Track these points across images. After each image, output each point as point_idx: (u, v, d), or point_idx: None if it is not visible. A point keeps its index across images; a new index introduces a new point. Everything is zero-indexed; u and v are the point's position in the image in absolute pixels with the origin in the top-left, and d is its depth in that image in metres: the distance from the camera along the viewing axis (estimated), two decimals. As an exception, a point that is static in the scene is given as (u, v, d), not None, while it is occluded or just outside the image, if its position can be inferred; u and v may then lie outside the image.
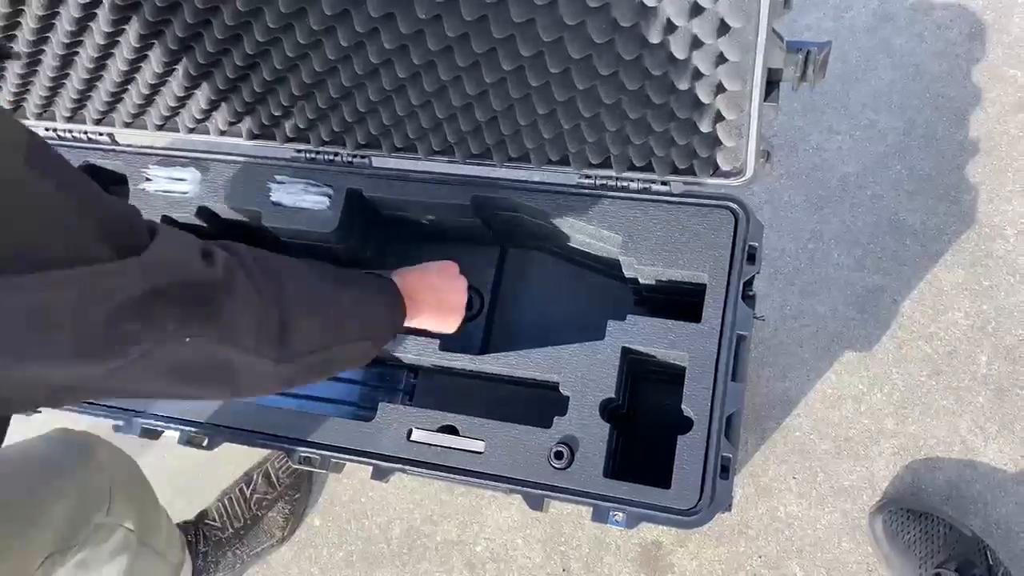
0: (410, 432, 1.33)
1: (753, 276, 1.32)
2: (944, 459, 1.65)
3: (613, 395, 1.29)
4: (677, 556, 1.66)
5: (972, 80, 1.89)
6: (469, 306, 1.52)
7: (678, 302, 1.42)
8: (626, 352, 1.32)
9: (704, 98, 1.16)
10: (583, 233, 1.43)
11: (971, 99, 1.87)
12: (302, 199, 1.48)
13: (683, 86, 1.15)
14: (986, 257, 1.76)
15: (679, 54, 1.08)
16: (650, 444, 1.37)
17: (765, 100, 1.14)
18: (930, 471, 1.65)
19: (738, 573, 1.64)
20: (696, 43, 1.07)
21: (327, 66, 1.28)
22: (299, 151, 1.50)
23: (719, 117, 1.20)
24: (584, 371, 1.32)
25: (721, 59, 1.08)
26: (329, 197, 1.48)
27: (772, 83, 1.14)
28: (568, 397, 1.31)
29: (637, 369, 1.40)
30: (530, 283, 1.64)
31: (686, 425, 1.25)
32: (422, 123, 1.35)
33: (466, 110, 1.30)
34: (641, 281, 1.41)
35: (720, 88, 1.14)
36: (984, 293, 1.74)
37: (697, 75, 1.13)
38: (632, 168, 1.36)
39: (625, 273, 1.42)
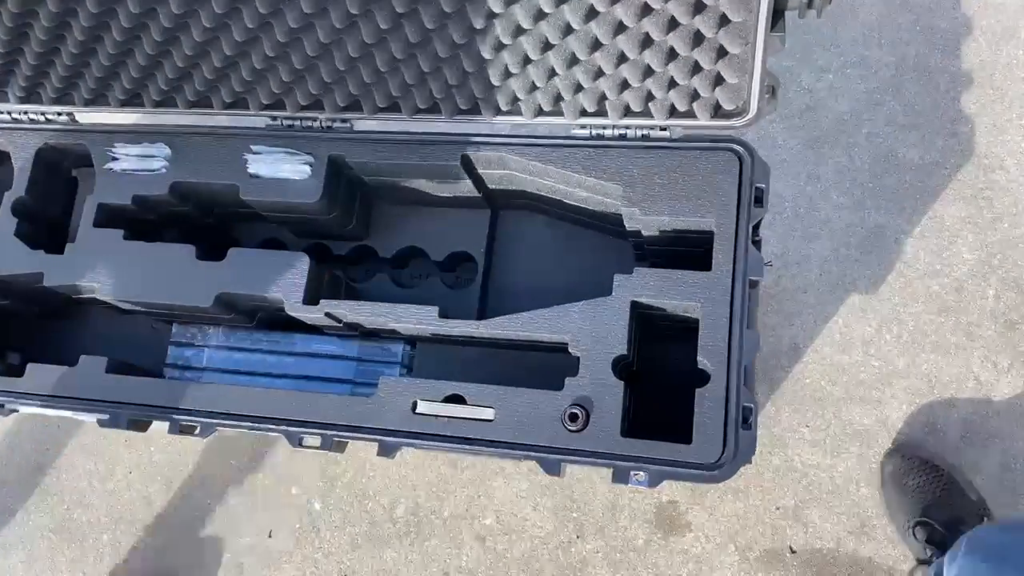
0: (415, 405, 1.27)
1: (760, 219, 1.27)
2: (958, 397, 1.61)
3: (625, 351, 1.24)
4: (694, 514, 1.62)
5: (962, 10, 1.84)
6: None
7: (682, 254, 1.37)
8: (635, 306, 1.26)
9: (706, 31, 1.09)
10: (581, 187, 1.36)
11: (962, 29, 1.82)
12: (282, 169, 1.41)
13: (684, 20, 1.08)
14: (987, 189, 1.72)
15: (680, -17, 1.02)
16: (662, 402, 1.32)
17: (771, 30, 1.08)
18: (945, 410, 1.61)
19: (756, 526, 1.60)
20: (698, -30, 1.00)
21: (302, 22, 1.20)
22: (275, 118, 1.42)
23: (722, 52, 1.14)
24: (593, 329, 1.26)
25: (725, -14, 1.02)
26: (310, 165, 1.40)
27: (778, 12, 1.07)
28: (578, 357, 1.25)
29: (643, 325, 1.34)
30: (525, 245, 1.57)
31: (703, 378, 1.19)
32: (405, 78, 1.27)
33: (452, 60, 1.23)
34: (644, 233, 1.35)
35: (723, 20, 1.08)
36: (988, 226, 1.70)
37: (699, 7, 1.06)
38: (629, 114, 1.29)
39: (627, 226, 1.36)
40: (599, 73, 1.19)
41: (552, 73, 1.20)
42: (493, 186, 1.47)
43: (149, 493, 1.80)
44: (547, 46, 1.15)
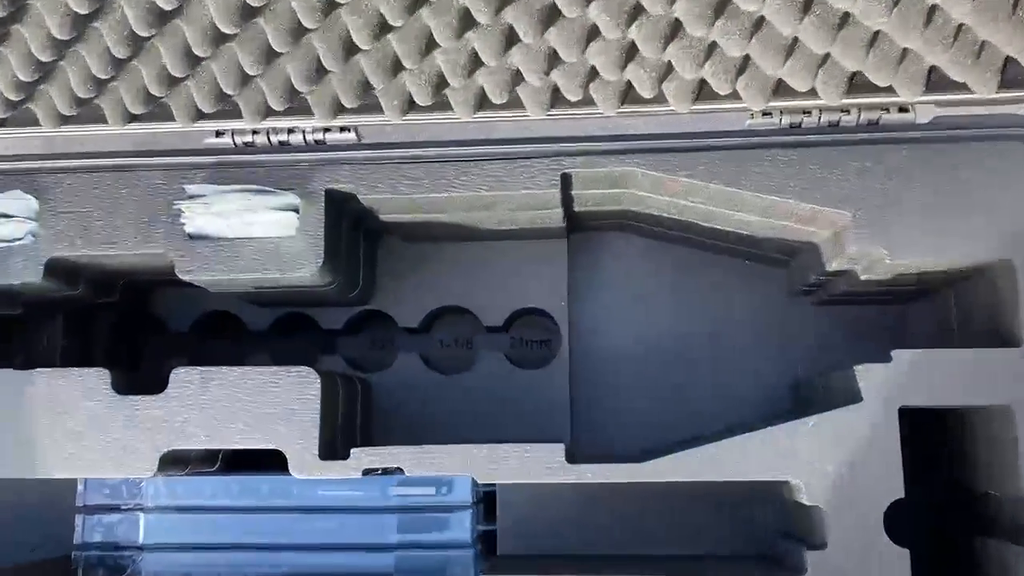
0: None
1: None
2: None
3: (902, 495, 0.74)
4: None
5: None
6: None
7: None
8: (904, 416, 0.75)
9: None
10: (752, 211, 0.83)
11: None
12: (248, 223, 0.81)
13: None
14: None
15: None
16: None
17: None
18: None
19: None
20: None
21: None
22: (221, 133, 0.82)
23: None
24: (841, 461, 0.75)
25: None
26: (296, 212, 0.81)
27: None
28: (818, 510, 0.74)
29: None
30: (621, 284, 1.04)
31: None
32: (457, 59, 0.70)
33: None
34: (861, 276, 0.84)
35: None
36: None
37: None
38: (855, 91, 0.77)
39: (828, 265, 0.85)
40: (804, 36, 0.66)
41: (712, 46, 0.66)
42: (582, 208, 0.92)
43: None
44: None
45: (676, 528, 0.93)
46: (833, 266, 0.84)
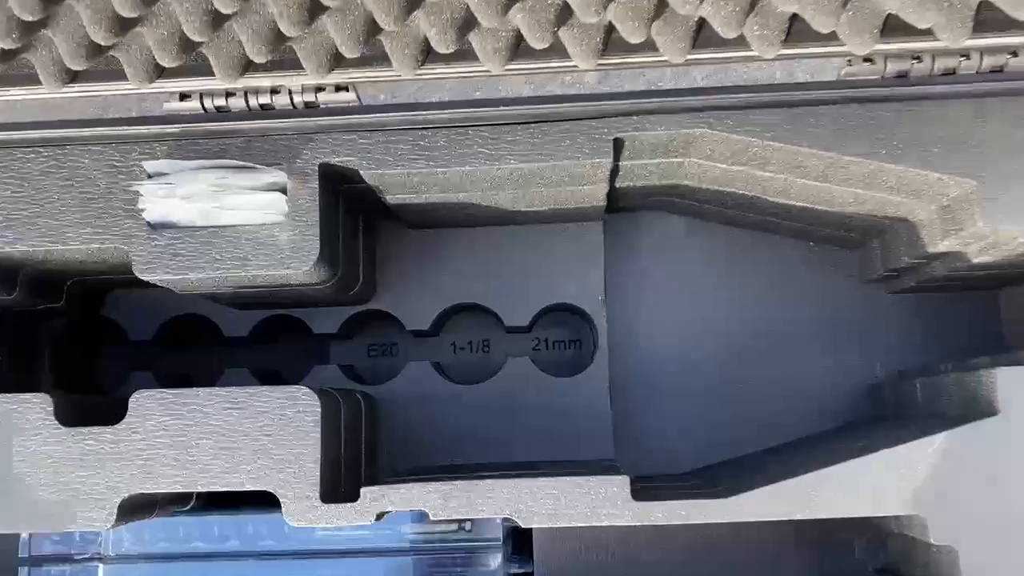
0: None
1: None
2: None
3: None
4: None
5: None
6: None
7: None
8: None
9: None
10: (845, 180, 0.68)
11: None
12: (223, 207, 0.64)
13: None
14: None
15: None
16: None
17: None
18: None
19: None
20: None
21: None
22: (187, 96, 0.65)
23: None
24: (978, 490, 0.60)
25: None
26: (284, 193, 0.65)
27: None
28: (950, 553, 0.60)
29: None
30: (663, 276, 0.88)
31: None
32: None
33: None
34: (974, 258, 0.69)
35: None
36: None
37: None
38: (979, 29, 0.62)
39: (931, 245, 0.70)
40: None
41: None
42: (625, 183, 0.76)
43: None
44: None
45: (752, 566, 0.78)
46: (940, 246, 0.69)
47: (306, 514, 0.62)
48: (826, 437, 0.80)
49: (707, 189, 0.77)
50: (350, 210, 0.75)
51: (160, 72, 0.64)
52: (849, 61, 0.64)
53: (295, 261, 0.65)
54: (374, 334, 0.90)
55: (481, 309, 0.86)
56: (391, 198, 0.73)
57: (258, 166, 0.66)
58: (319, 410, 0.64)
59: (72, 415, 0.64)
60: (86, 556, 0.77)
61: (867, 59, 0.64)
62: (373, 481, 0.65)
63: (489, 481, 0.62)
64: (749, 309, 0.87)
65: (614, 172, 0.73)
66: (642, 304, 0.88)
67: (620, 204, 0.84)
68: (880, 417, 0.81)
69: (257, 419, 0.64)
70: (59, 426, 0.64)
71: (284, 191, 0.66)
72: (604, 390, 0.84)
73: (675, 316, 0.87)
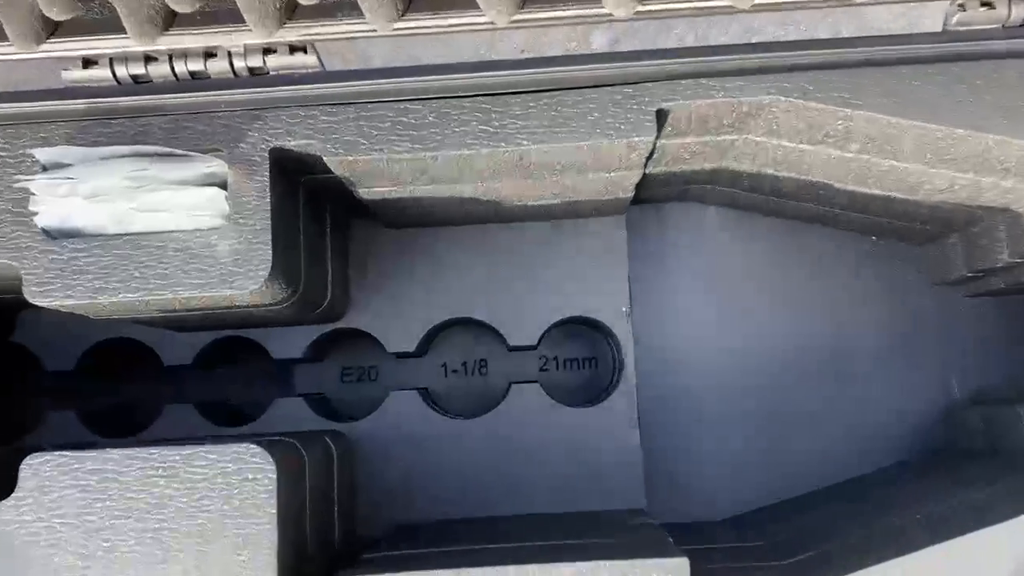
0: None
1: None
2: None
3: None
4: None
5: None
6: None
7: None
8: None
9: None
10: (945, 159, 0.53)
11: None
12: (144, 208, 0.48)
13: None
14: None
15: None
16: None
17: None
18: None
19: None
20: None
21: None
22: (91, 62, 0.49)
23: None
24: None
25: None
26: (224, 189, 0.49)
27: None
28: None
29: None
30: (699, 280, 0.73)
31: None
32: None
33: None
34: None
35: None
36: None
37: None
38: None
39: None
40: None
41: None
42: (657, 167, 0.61)
43: None
44: None
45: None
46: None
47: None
48: (905, 479, 0.66)
49: (760, 175, 0.62)
50: (313, 208, 0.59)
51: (52, 29, 0.48)
52: (961, 6, 0.49)
53: (240, 278, 0.49)
54: (348, 356, 0.74)
55: (477, 324, 0.71)
56: (365, 192, 0.57)
57: (189, 153, 0.50)
58: (274, 475, 0.48)
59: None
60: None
61: (985, 2, 0.49)
62: (350, 544, 0.49)
63: (508, 569, 0.46)
64: (800, 319, 0.73)
65: (650, 154, 0.58)
66: (673, 315, 0.73)
67: (644, 194, 0.69)
68: (969, 452, 0.66)
69: (193, 490, 0.48)
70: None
71: (224, 186, 0.50)
72: (631, 421, 0.69)
73: (712, 328, 0.73)
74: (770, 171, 0.61)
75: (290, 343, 0.70)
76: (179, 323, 0.64)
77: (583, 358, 0.76)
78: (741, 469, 0.71)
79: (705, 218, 0.73)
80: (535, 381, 0.71)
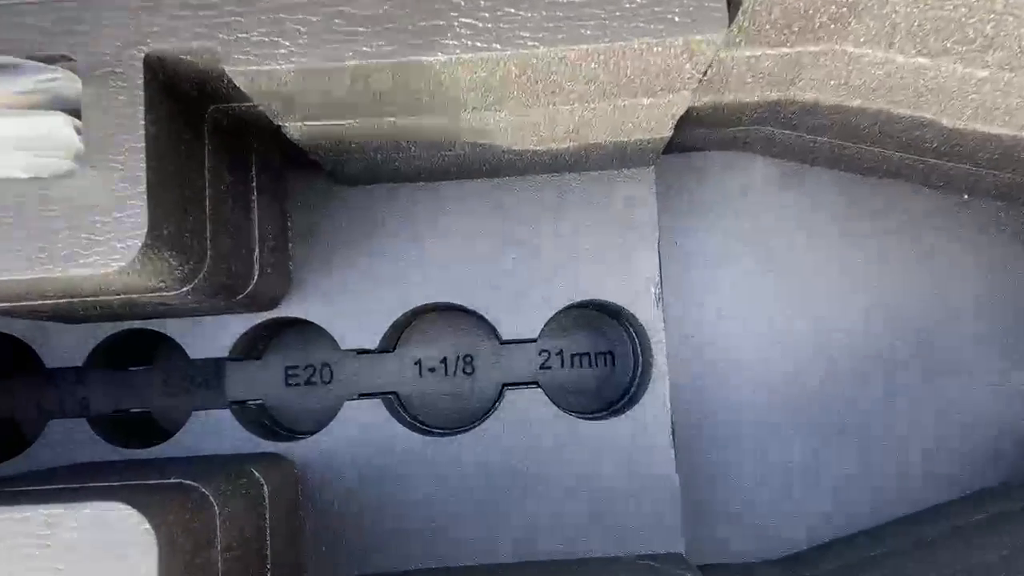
0: None
1: None
2: None
3: None
4: None
5: None
6: None
7: None
8: None
9: None
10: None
11: None
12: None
13: None
14: None
15: None
16: None
17: None
18: None
19: None
20: None
21: None
22: None
23: None
24: None
25: None
26: (76, 115, 0.31)
27: None
28: None
29: None
30: (747, 249, 0.56)
31: None
32: None
33: None
34: None
35: None
36: None
37: None
38: None
39: None
40: None
41: None
42: (707, 98, 0.44)
43: None
44: None
45: None
46: None
47: None
48: (1013, 516, 0.50)
49: (838, 108, 0.46)
50: (228, 153, 0.42)
51: None
52: None
53: (102, 251, 0.32)
54: (293, 354, 0.57)
55: (460, 311, 0.54)
56: (298, 128, 0.40)
57: (19, 60, 0.33)
58: (155, 547, 0.31)
59: None
60: None
61: None
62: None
63: None
64: (873, 296, 0.57)
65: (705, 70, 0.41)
66: (714, 297, 0.56)
67: (679, 138, 0.52)
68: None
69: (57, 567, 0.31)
70: None
71: (75, 112, 0.33)
72: (664, 436, 0.53)
73: (763, 314, 0.56)
74: (855, 102, 0.45)
75: (211, 338, 0.53)
76: (64, 313, 0.46)
77: (596, 353, 0.59)
78: (800, 495, 0.55)
79: (755, 171, 0.57)
80: (534, 383, 0.55)
